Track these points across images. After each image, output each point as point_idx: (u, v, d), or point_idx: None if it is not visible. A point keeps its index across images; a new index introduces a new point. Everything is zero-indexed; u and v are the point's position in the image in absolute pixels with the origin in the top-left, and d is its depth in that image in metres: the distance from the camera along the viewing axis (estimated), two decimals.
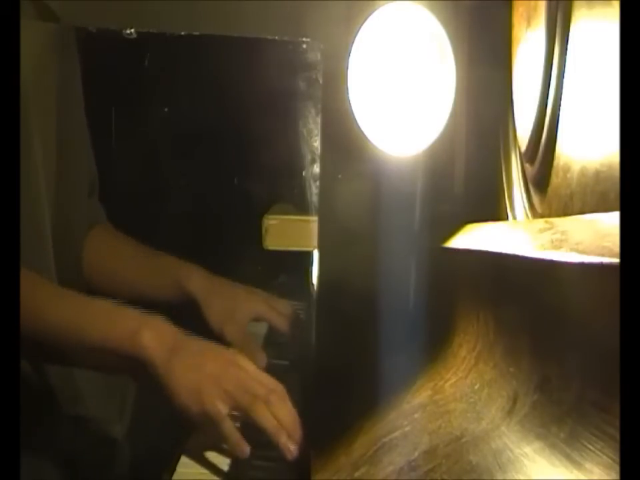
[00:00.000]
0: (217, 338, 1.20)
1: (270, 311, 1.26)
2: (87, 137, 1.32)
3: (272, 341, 1.29)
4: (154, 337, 0.91)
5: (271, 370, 1.18)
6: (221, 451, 0.94)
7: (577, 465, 0.44)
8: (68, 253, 1.21)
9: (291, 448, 0.87)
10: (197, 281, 1.24)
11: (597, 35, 0.61)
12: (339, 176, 1.09)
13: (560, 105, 0.69)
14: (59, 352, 0.98)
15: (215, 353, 0.94)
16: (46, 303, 0.97)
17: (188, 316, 1.23)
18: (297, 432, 0.89)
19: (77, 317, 0.96)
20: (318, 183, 1.26)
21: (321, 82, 1.29)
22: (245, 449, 0.89)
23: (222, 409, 0.88)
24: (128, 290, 1.29)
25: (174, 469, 0.92)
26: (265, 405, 0.89)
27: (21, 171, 0.72)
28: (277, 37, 1.32)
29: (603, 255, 0.41)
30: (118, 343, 0.92)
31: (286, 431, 0.88)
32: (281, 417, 0.89)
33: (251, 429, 0.91)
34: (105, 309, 0.97)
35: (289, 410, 0.90)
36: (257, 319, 1.26)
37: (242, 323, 1.23)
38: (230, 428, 0.89)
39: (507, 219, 0.88)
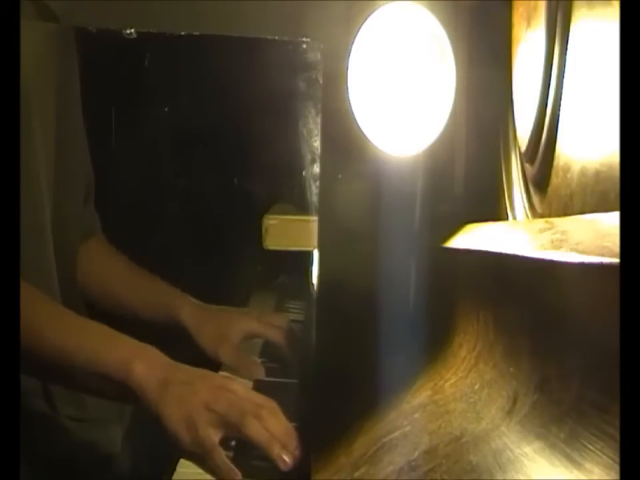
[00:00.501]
0: (212, 359, 1.21)
1: (262, 327, 1.25)
2: (84, 138, 1.31)
3: (269, 346, 1.29)
4: (146, 368, 0.92)
5: (270, 374, 1.19)
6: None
7: (577, 465, 0.44)
8: (64, 258, 1.21)
9: (284, 458, 0.87)
10: (188, 312, 1.25)
11: (597, 34, 0.61)
12: (339, 176, 1.09)
13: (560, 105, 0.69)
14: (57, 371, 0.98)
15: (204, 380, 0.94)
16: (44, 320, 0.97)
17: (182, 340, 1.24)
18: (291, 444, 0.88)
19: (73, 338, 0.96)
20: (318, 183, 1.26)
21: (321, 82, 1.29)
22: (237, 477, 0.90)
23: (213, 435, 0.89)
24: (121, 306, 1.30)
25: (174, 469, 0.92)
26: (256, 419, 0.89)
27: (22, 172, 0.72)
28: (277, 37, 1.31)
29: (603, 255, 0.41)
30: (111, 370, 0.93)
31: (279, 442, 0.88)
32: (273, 430, 0.89)
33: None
34: (100, 334, 0.98)
35: (282, 423, 0.90)
36: (250, 337, 1.26)
37: (235, 343, 1.23)
38: (221, 458, 0.89)
39: (507, 219, 0.87)
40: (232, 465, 0.89)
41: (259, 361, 1.24)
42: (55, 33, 1.21)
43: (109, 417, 1.24)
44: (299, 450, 0.88)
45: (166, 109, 1.78)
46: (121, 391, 0.93)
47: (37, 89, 1.13)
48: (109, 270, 1.35)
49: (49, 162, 1.17)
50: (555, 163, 0.70)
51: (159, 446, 0.94)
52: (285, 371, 1.21)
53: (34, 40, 1.11)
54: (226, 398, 0.91)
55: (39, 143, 1.14)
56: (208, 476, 0.90)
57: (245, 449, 0.92)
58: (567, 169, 0.67)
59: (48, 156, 1.17)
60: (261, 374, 1.18)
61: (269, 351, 1.28)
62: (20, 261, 0.64)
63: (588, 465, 0.43)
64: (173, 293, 1.28)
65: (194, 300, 1.27)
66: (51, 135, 1.18)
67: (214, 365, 1.19)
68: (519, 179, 0.84)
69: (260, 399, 0.93)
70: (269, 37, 1.32)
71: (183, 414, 0.89)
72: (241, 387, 0.95)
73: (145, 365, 0.92)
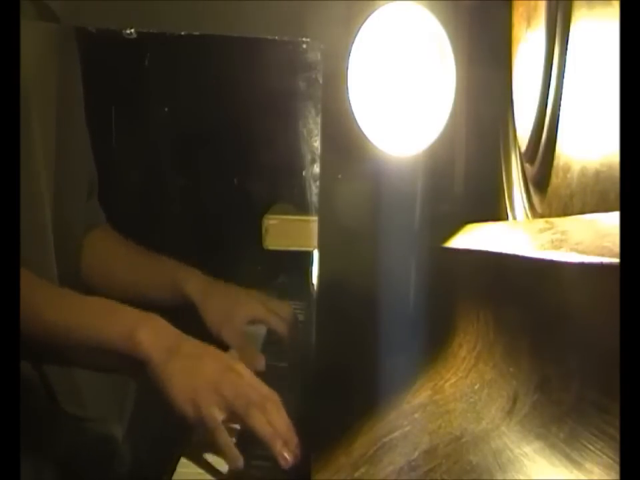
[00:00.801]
0: (215, 340, 1.20)
1: (268, 313, 1.25)
2: (86, 137, 1.32)
3: (271, 342, 1.29)
4: (151, 335, 0.91)
5: (270, 371, 1.19)
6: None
7: (577, 465, 0.44)
8: (67, 254, 1.21)
9: (286, 455, 0.87)
10: (195, 284, 1.24)
11: (597, 34, 0.61)
12: (339, 176, 1.09)
13: (560, 105, 0.69)
14: (58, 352, 0.98)
15: (212, 357, 0.93)
16: (44, 303, 0.97)
17: (186, 318, 1.23)
18: (292, 441, 0.88)
19: (75, 316, 0.96)
20: (318, 183, 1.26)
21: (320, 82, 1.29)
22: (239, 461, 0.89)
23: (217, 415, 0.88)
24: (126, 292, 1.29)
25: (174, 469, 0.92)
26: (261, 411, 0.89)
27: (22, 172, 0.72)
28: (277, 37, 1.31)
29: (603, 255, 0.41)
30: (115, 342, 0.92)
31: (281, 438, 0.88)
32: (276, 425, 0.89)
33: (248, 431, 0.91)
34: (102, 307, 0.97)
35: (284, 419, 0.90)
36: (254, 322, 1.26)
37: (239, 326, 1.23)
38: (224, 438, 0.89)
39: (507, 219, 0.88)
40: (235, 448, 0.89)
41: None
42: (55, 33, 1.21)
43: (109, 415, 1.24)
44: (299, 448, 0.88)
45: (166, 109, 1.78)
46: (125, 364, 0.92)
47: (37, 88, 1.13)
48: (114, 256, 1.34)
49: (49, 162, 1.17)
50: (555, 163, 0.70)
51: (159, 446, 0.94)
52: (285, 371, 1.21)
53: (34, 40, 1.11)
54: (233, 381, 0.91)
55: (38, 142, 1.14)
56: (208, 476, 0.90)
57: (244, 448, 0.92)
58: (567, 169, 0.67)
59: (48, 156, 1.17)
60: (261, 365, 1.18)
61: (269, 350, 1.28)
62: (20, 262, 0.64)
63: (588, 465, 0.43)
64: (180, 267, 1.27)
65: (201, 273, 1.26)
66: (51, 135, 1.18)
67: (220, 347, 1.18)
68: (519, 178, 0.84)
69: (265, 389, 0.93)
70: (269, 37, 1.32)
71: (189, 389, 0.89)
72: (248, 371, 0.95)
73: (150, 332, 0.91)
